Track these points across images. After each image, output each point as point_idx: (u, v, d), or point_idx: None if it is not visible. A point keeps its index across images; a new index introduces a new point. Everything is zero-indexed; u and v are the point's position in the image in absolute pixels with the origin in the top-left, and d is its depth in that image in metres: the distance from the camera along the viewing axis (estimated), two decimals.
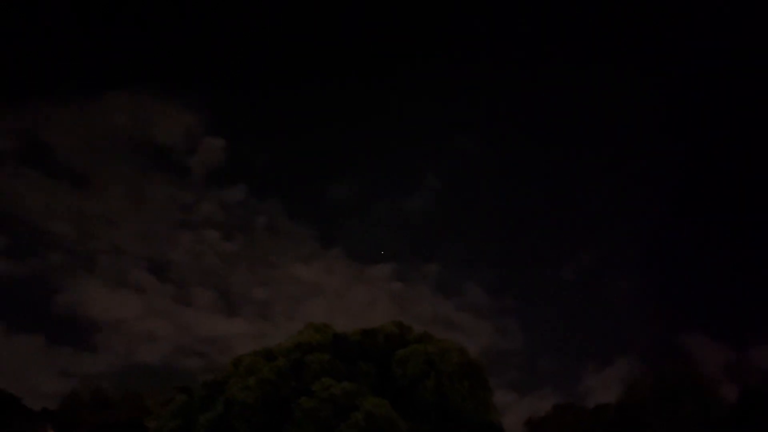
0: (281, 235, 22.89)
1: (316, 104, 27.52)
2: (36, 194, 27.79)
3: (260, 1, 27.83)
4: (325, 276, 21.86)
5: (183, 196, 25.87)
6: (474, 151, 24.50)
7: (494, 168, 24.30)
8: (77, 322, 26.14)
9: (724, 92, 26.96)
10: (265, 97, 26.98)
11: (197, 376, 18.86)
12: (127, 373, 24.62)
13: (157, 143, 27.58)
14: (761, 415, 18.17)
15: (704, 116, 27.92)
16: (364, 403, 15.51)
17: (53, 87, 29.38)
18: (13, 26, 28.61)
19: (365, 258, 22.56)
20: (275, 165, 24.57)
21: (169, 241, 26.49)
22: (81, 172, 28.98)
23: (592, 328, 23.72)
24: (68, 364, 24.92)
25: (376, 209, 23.14)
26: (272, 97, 27.50)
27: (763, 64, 24.02)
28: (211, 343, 23.10)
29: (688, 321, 25.48)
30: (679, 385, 18.51)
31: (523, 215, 25.70)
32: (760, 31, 21.66)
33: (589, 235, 25.74)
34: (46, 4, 28.83)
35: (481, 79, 27.41)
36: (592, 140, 27.28)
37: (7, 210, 27.39)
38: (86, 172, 29.10)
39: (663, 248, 27.07)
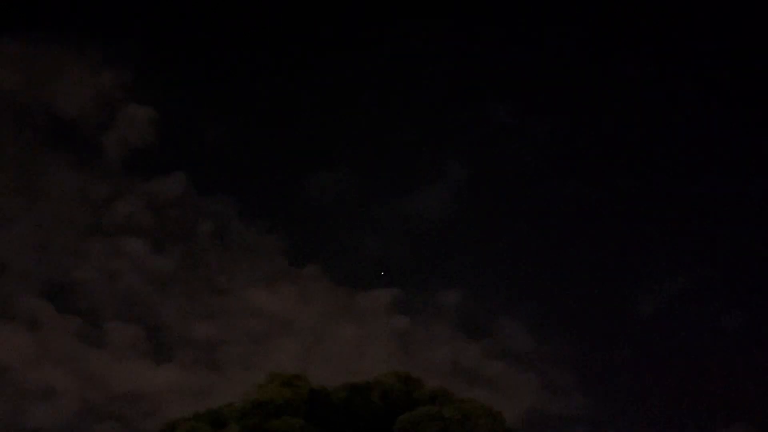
0: (235, 247, 17.52)
1: (287, 63, 19.99)
2: None
3: None
4: (298, 306, 16.71)
5: (94, 188, 18.75)
6: (514, 127, 17.65)
7: (542, 155, 17.86)
8: None
9: None
10: (215, 52, 19.62)
11: None
12: None
13: (59, 113, 20.37)
14: None
15: None
16: None
17: None
18: None
19: (355, 281, 17.12)
20: (227, 147, 17.31)
21: (74, 253, 19.66)
22: None
23: (682, 382, 17.50)
24: None
25: (373, 212, 17.95)
26: (224, 52, 19.72)
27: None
28: (132, 402, 17.28)
29: None
30: None
31: (582, 225, 18.28)
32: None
33: (678, 255, 18.79)
34: None
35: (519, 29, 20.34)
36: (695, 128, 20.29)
37: None
38: None
39: None
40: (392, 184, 16.06)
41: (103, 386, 17.01)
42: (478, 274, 14.87)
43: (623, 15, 18.06)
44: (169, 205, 15.78)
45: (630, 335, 15.61)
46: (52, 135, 21.36)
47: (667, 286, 15.35)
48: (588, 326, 15.65)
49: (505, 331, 14.70)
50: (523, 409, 16.89)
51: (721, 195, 16.66)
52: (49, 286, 19.60)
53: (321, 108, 15.82)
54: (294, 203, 15.55)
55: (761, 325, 15.69)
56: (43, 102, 21.71)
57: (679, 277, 15.32)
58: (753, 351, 15.82)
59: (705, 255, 15.93)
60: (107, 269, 16.81)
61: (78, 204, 17.69)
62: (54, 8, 18.52)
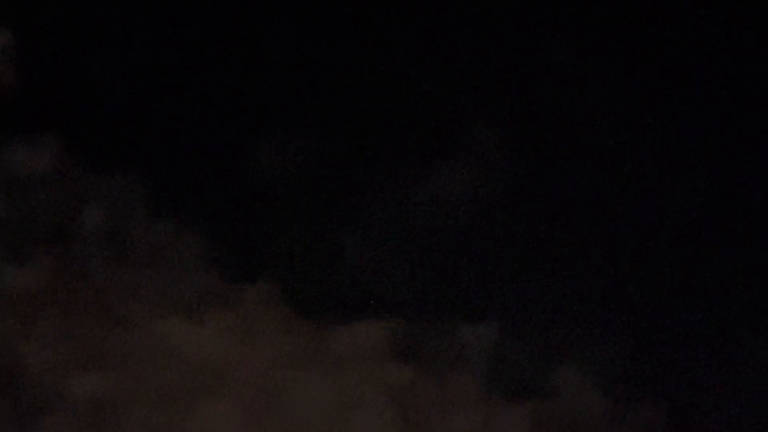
0: (139, 254, 12.39)
1: None
2: None
3: None
4: (238, 346, 12.01)
5: None
6: (574, 69, 10.97)
7: (619, 107, 10.96)
8: None
9: None
10: None
11: None
12: None
13: None
14: None
15: None
16: None
17: None
18: None
19: (330, 308, 12.25)
20: (130, 96, 10.67)
21: None
22: None
23: None
24: None
25: (357, 199, 12.76)
26: None
27: None
28: None
29: None
30: None
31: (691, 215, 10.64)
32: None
33: None
34: None
35: None
36: None
37: None
38: None
39: None
40: (387, 155, 10.72)
41: None
42: (524, 297, 10.48)
43: None
44: (34, 187, 11.00)
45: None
46: None
47: None
48: (689, 379, 11.00)
49: (566, 388, 10.42)
50: None
51: None
52: None
53: (275, 39, 10.81)
54: (231, 186, 11.05)
55: None
56: None
57: None
58: None
59: None
60: None
61: None
62: None
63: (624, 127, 11.13)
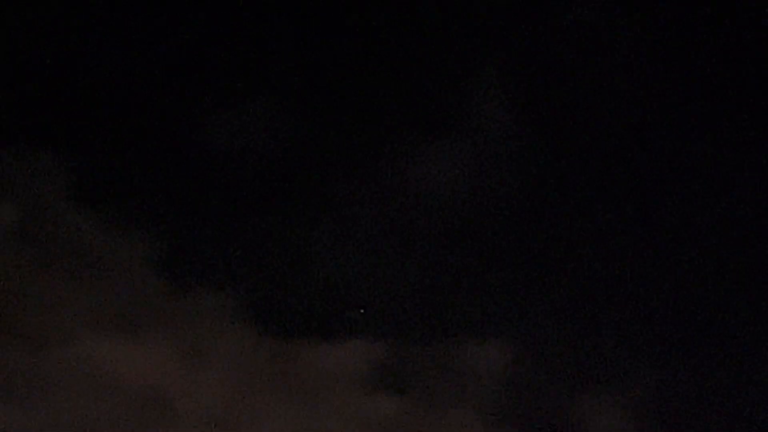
0: (62, 255, 10.57)
1: None
2: None
3: None
4: (187, 369, 10.26)
5: None
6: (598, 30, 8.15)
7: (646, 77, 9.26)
8: None
9: None
10: None
11: None
12: None
13: None
14: None
15: None
16: None
17: None
18: None
19: (302, 323, 9.95)
20: (50, 47, 8.45)
21: None
22: None
23: None
24: None
25: (335, 187, 10.59)
26: None
27: None
28: None
29: None
30: None
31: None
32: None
33: None
34: None
35: None
36: None
37: None
38: None
39: None
40: (370, 133, 9.69)
41: None
42: (539, 310, 8.91)
43: None
44: None
45: None
46: None
47: None
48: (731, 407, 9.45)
49: (591, 422, 8.97)
50: None
51: None
52: None
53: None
54: (178, 169, 9.45)
55: None
56: None
57: None
58: None
59: None
60: None
61: None
62: None
63: (639, 111, 9.78)
